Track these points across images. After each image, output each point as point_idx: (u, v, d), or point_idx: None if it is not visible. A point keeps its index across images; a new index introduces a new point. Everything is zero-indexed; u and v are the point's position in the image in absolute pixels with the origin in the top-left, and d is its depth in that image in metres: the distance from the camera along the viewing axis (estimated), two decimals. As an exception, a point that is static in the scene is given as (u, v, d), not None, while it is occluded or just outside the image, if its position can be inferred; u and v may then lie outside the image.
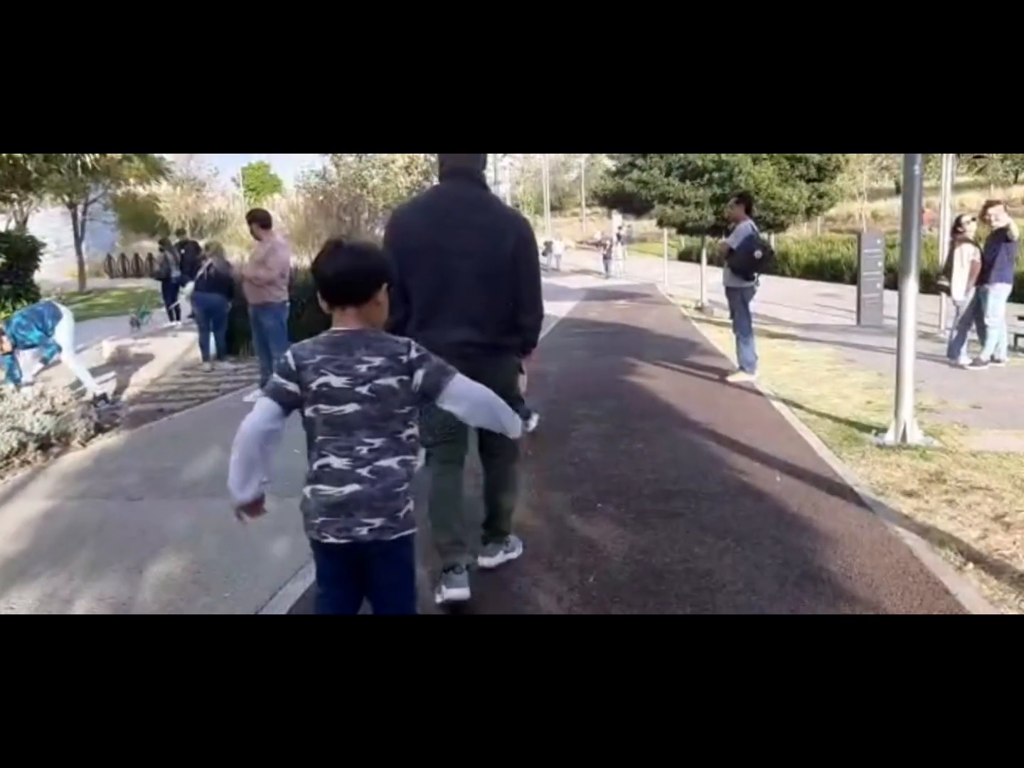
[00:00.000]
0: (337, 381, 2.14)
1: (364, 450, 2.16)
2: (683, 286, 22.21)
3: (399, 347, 2.21)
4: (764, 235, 10.86)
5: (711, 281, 16.11)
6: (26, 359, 8.07)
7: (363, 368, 2.15)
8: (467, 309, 3.24)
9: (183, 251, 13.38)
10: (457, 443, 3.41)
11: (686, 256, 33.01)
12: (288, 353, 2.20)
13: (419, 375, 2.20)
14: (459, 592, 3.26)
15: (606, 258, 30.81)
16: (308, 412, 2.19)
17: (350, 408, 2.15)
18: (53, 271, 25.33)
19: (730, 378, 8.27)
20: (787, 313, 15.16)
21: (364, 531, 2.16)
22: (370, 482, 2.16)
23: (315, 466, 2.21)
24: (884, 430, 5.67)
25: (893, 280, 13.56)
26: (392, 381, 2.17)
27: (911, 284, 5.48)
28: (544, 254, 31.42)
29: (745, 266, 8.07)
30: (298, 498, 2.24)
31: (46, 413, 6.17)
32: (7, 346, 7.60)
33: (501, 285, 3.31)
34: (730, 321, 8.92)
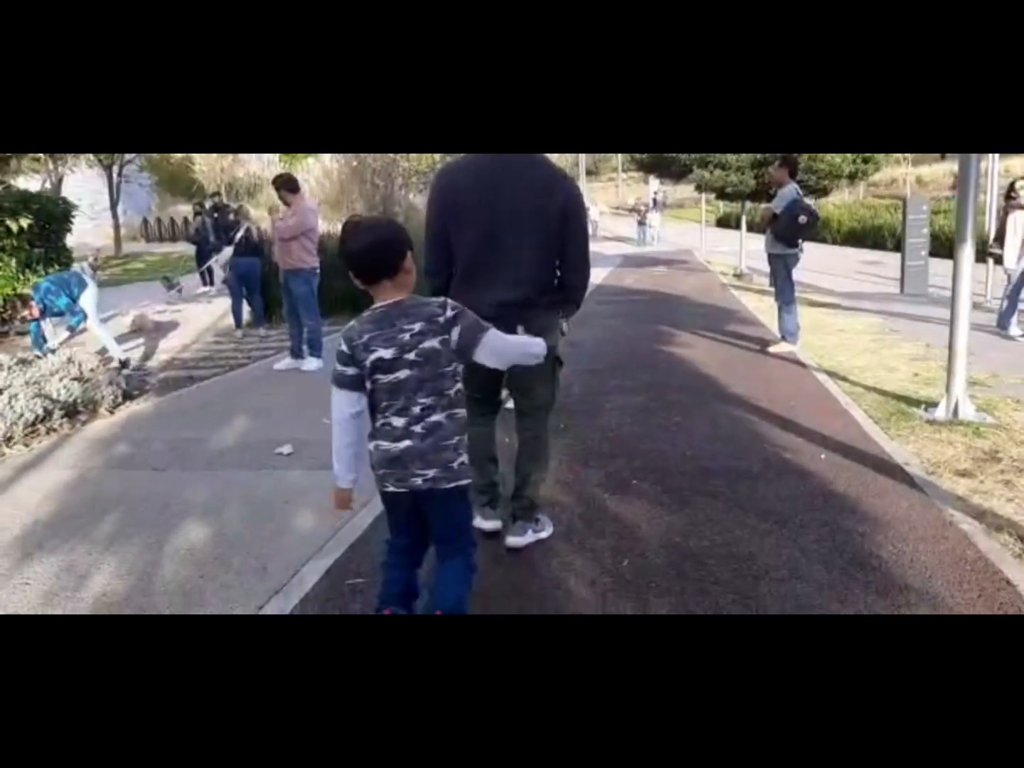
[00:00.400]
0: (387, 353, 2.31)
1: (418, 409, 2.35)
2: (721, 252, 21.85)
3: (435, 309, 2.35)
4: (808, 200, 10.48)
5: (750, 247, 15.77)
6: (50, 327, 8.06)
7: (406, 336, 2.31)
8: (510, 268, 3.23)
9: (216, 215, 13.28)
10: (493, 398, 3.58)
11: (724, 222, 32.58)
12: (340, 340, 2.40)
13: (455, 332, 2.34)
14: (492, 524, 3.57)
15: (641, 224, 30.02)
16: (368, 385, 2.39)
17: (403, 374, 2.33)
18: (90, 234, 25.51)
19: (771, 348, 8.02)
20: (829, 281, 14.80)
21: (419, 481, 2.37)
22: (420, 437, 2.36)
23: (377, 424, 2.43)
24: (934, 405, 5.42)
25: (938, 247, 13.33)
26: (434, 343, 2.32)
27: (967, 252, 5.17)
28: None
29: (789, 232, 7.77)
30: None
31: (73, 380, 6.09)
32: (35, 312, 7.57)
33: (547, 243, 3.27)
34: (770, 289, 8.65)
